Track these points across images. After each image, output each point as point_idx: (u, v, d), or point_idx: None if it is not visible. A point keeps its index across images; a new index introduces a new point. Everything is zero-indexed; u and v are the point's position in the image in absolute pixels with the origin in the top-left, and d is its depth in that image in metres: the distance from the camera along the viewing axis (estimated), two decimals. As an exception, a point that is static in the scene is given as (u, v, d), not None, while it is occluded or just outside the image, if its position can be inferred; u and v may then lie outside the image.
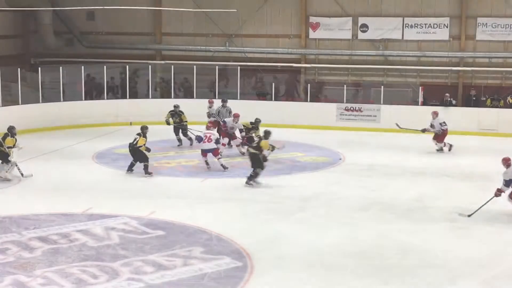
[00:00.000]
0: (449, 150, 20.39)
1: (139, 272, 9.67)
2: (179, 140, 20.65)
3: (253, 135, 18.78)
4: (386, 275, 9.81)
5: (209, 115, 21.18)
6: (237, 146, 19.46)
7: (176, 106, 20.84)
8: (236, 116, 19.50)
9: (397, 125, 21.09)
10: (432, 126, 20.36)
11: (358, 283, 9.56)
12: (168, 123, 20.62)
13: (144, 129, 16.72)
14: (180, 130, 20.61)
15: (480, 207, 12.12)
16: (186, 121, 20.61)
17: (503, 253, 10.54)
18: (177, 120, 20.55)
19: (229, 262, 10.16)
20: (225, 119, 19.78)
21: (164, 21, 29.25)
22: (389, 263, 10.36)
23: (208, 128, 17.71)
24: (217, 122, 19.99)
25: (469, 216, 11.92)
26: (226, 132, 19.44)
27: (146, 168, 16.49)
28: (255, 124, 19.30)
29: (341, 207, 13.75)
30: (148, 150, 16.54)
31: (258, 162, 15.41)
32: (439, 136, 20.23)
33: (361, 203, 14.08)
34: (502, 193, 13.08)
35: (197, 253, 10.57)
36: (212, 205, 13.73)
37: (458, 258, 10.54)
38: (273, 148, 15.99)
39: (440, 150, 20.38)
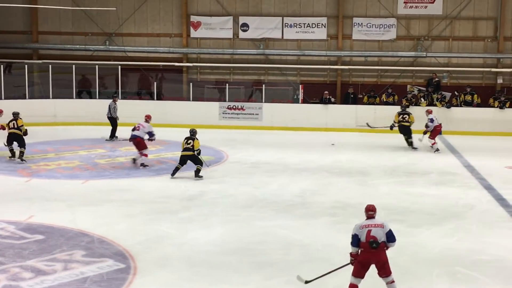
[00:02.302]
0: (434, 150, 20.57)
1: (17, 279, 9.32)
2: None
3: None
4: (269, 271, 9.94)
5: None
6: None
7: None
8: (149, 118, 18.35)
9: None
10: (426, 125, 20.78)
11: (242, 279, 9.63)
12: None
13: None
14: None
15: (321, 276, 9.31)
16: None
17: (380, 244, 10.92)
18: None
19: (111, 264, 9.99)
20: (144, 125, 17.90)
21: (41, 19, 28.39)
22: (272, 258, 10.49)
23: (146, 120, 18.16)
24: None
25: (306, 282, 9.23)
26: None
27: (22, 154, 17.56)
28: None
29: (225, 205, 13.81)
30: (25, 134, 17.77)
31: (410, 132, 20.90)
32: (431, 133, 20.69)
33: (244, 200, 14.21)
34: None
35: (78, 256, 10.32)
36: (93, 207, 13.43)
37: (339, 252, 10.75)
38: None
39: (437, 150, 20.52)
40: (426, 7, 26.84)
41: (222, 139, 22.07)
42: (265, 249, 10.98)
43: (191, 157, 16.15)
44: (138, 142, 17.64)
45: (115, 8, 26.78)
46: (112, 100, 22.47)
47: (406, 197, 14.68)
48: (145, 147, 17.68)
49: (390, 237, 8.77)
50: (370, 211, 8.97)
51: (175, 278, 9.64)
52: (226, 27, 27.69)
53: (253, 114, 25.55)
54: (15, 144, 17.99)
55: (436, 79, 26.10)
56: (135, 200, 14.09)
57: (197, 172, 16.11)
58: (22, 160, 17.82)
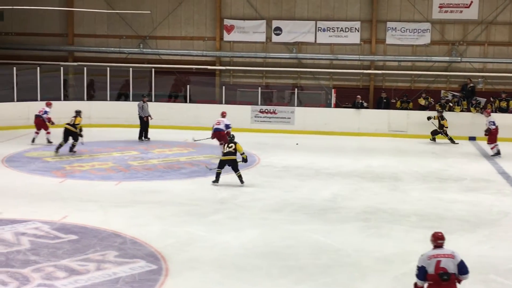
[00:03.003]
0: (494, 154, 20.71)
1: (51, 278, 9.45)
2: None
3: None
4: (299, 275, 9.92)
5: None
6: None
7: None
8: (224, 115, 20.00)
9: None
10: (488, 129, 21.06)
11: (271, 283, 9.63)
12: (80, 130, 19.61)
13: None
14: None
15: None
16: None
17: (412, 250, 10.81)
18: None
19: (143, 266, 10.07)
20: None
21: (76, 22, 28.76)
22: (302, 263, 10.47)
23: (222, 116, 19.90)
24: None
25: None
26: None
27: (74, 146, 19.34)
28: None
29: (255, 208, 13.83)
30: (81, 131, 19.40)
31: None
32: (488, 137, 20.96)
33: (275, 204, 14.21)
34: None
35: (111, 257, 10.42)
36: (126, 208, 13.56)
37: (370, 257, 10.77)
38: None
39: (495, 155, 20.67)
40: (461, 11, 26.61)
41: (254, 142, 22.09)
42: (295, 253, 10.97)
43: (231, 161, 15.78)
44: (221, 135, 19.11)
45: (149, 11, 26.98)
46: (143, 100, 22.83)
47: (439, 203, 14.55)
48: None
49: (463, 269, 7.90)
50: (440, 239, 8.04)
51: (205, 280, 9.67)
52: (259, 31, 27.75)
53: (285, 118, 25.55)
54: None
55: (471, 85, 25.84)
56: (166, 202, 14.18)
57: (240, 178, 15.85)
58: (73, 151, 19.41)
